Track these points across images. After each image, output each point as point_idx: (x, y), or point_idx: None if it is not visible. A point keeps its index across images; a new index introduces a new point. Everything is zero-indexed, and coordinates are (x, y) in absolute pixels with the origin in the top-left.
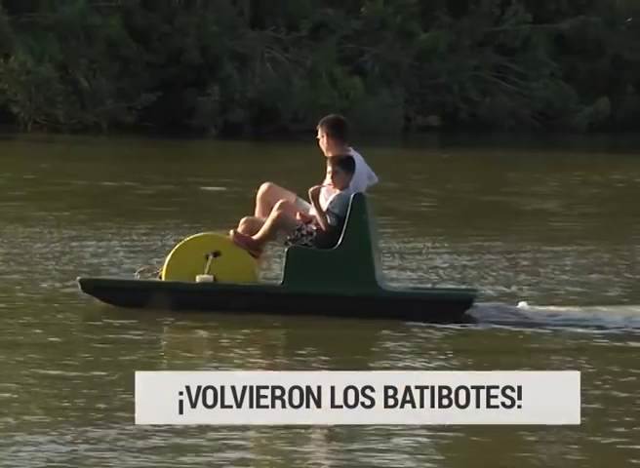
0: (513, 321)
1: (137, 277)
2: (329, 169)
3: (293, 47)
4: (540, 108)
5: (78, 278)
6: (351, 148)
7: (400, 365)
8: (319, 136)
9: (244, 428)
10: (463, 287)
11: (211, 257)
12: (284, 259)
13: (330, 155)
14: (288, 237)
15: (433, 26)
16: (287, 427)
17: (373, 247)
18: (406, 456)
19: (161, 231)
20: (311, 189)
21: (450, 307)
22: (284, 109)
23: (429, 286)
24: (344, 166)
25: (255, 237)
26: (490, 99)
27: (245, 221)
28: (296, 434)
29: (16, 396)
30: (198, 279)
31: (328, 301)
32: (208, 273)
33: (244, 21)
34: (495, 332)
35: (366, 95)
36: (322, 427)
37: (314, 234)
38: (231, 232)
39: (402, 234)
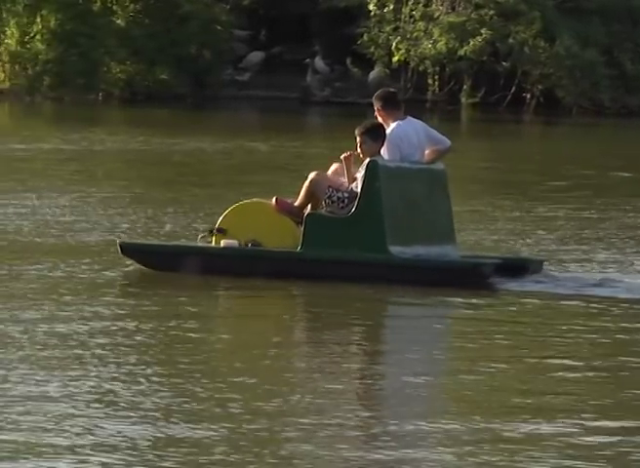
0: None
1: (199, 241)
2: (357, 139)
3: None
4: None
5: (118, 241)
6: (409, 116)
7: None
8: (375, 112)
9: None
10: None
11: (215, 233)
12: (303, 225)
13: (386, 125)
14: (322, 204)
15: None
16: None
17: (390, 213)
18: None
19: None
20: (344, 155)
21: (456, 276)
22: None
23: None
24: (371, 135)
25: (295, 204)
26: None
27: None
28: None
29: None
30: (223, 244)
31: (342, 267)
32: (249, 240)
33: None
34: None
35: None
36: None
37: (345, 201)
38: (274, 199)
39: None
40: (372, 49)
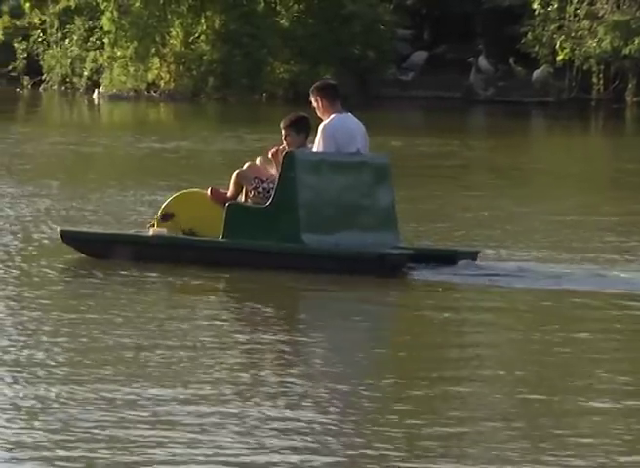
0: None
1: (149, 230)
2: (282, 132)
3: None
4: None
5: (59, 229)
6: (345, 111)
7: None
8: (313, 103)
9: None
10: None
11: (158, 219)
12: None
13: (325, 117)
14: (249, 195)
15: None
16: None
17: (306, 203)
18: None
19: None
20: (271, 152)
21: (366, 265)
22: None
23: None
24: (295, 128)
25: (227, 195)
26: None
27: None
28: None
29: None
30: (151, 232)
31: (260, 256)
32: (186, 230)
33: None
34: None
35: None
36: None
37: (270, 192)
38: (209, 189)
39: None
40: (536, 48)
